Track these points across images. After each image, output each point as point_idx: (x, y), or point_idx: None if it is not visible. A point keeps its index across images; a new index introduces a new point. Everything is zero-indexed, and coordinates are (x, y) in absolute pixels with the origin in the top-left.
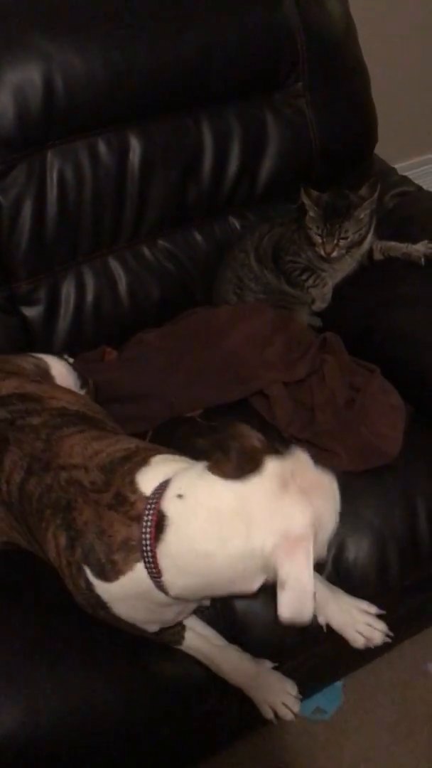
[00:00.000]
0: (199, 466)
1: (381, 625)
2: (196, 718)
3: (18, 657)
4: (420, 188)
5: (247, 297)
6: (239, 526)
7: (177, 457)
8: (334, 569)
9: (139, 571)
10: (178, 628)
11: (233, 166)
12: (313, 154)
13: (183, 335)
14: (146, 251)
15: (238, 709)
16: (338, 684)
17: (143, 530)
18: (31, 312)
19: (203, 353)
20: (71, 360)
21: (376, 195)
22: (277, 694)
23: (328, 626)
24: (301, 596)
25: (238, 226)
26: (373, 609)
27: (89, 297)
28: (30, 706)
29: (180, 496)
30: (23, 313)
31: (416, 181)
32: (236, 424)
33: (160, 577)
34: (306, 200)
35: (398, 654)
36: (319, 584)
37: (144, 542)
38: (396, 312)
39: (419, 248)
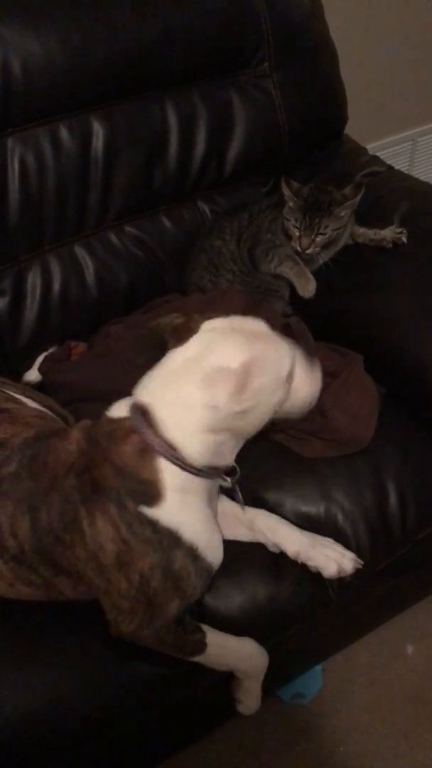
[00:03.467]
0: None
1: (350, 553)
2: (169, 708)
3: None
4: (390, 168)
5: (222, 285)
6: (192, 368)
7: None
8: None
9: (165, 465)
10: (200, 635)
11: (200, 149)
12: (282, 134)
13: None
14: (113, 238)
15: (215, 697)
16: (317, 668)
17: (139, 430)
18: None
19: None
20: (32, 380)
21: (358, 197)
22: None
23: (302, 572)
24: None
25: (207, 210)
26: (340, 545)
27: (56, 286)
28: None
29: (144, 386)
30: None
31: (387, 161)
32: (151, 323)
33: (178, 453)
34: (286, 191)
35: (376, 637)
36: (290, 527)
37: (147, 437)
38: (366, 294)
39: (386, 234)
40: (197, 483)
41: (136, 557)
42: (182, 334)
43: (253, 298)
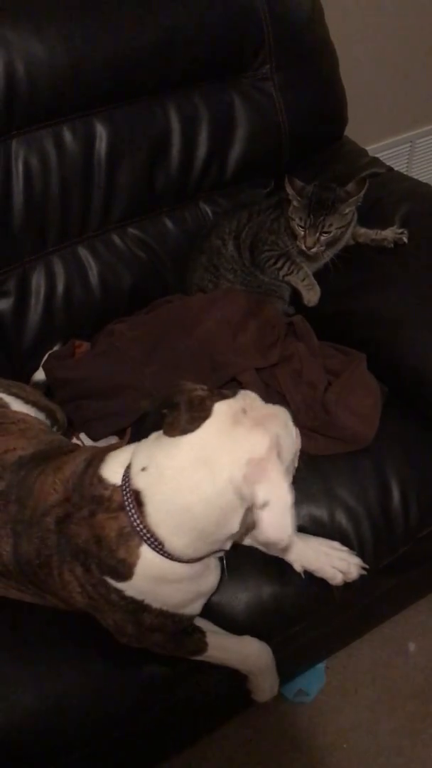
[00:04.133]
0: (153, 435)
1: (355, 559)
2: (171, 706)
3: None
4: (391, 169)
5: (222, 286)
6: (203, 470)
7: (129, 446)
8: None
9: (146, 552)
10: (199, 635)
11: (202, 150)
12: (282, 136)
13: (156, 324)
14: (116, 239)
15: (219, 695)
16: (321, 666)
17: (129, 513)
18: (1, 304)
19: (178, 342)
20: (41, 379)
21: (362, 193)
22: None
23: (307, 572)
24: (284, 509)
25: (209, 211)
26: (345, 548)
27: (60, 287)
28: (2, 703)
29: (144, 468)
30: None
31: (387, 163)
32: (179, 382)
33: (163, 546)
34: (290, 190)
35: (379, 634)
36: (300, 538)
37: (134, 523)
38: (369, 294)
39: (387, 234)
40: (185, 568)
41: (104, 611)
42: (195, 410)
43: (254, 298)
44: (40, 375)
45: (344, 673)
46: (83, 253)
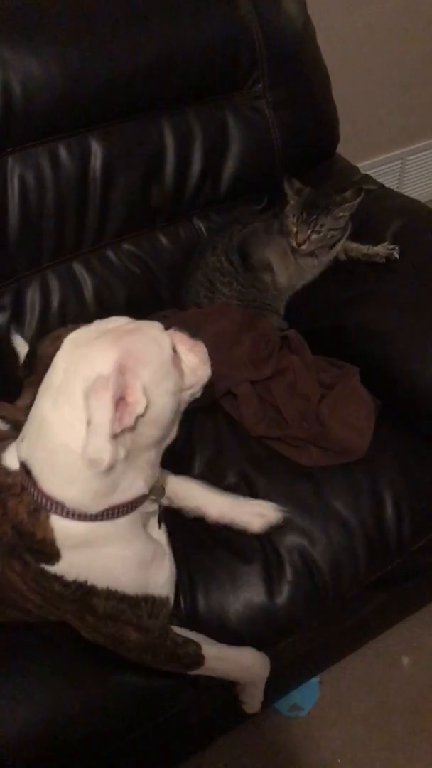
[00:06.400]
0: None
1: (268, 503)
2: (166, 721)
3: None
4: (382, 186)
5: (219, 301)
6: (62, 404)
7: None
8: (300, 559)
9: (56, 522)
10: (194, 647)
11: (195, 168)
12: (275, 154)
13: None
14: (111, 255)
15: (213, 709)
16: (314, 680)
17: (28, 490)
18: None
19: None
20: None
21: (357, 200)
22: None
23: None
24: (99, 429)
25: (202, 227)
26: (260, 500)
27: (55, 302)
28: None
29: (22, 438)
30: None
31: (378, 180)
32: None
33: (65, 507)
34: (288, 189)
35: (373, 649)
36: (211, 492)
37: (35, 496)
38: (361, 309)
39: (379, 250)
40: (107, 527)
41: (57, 606)
42: (53, 350)
43: (249, 313)
44: (23, 347)
45: (338, 687)
46: (78, 268)
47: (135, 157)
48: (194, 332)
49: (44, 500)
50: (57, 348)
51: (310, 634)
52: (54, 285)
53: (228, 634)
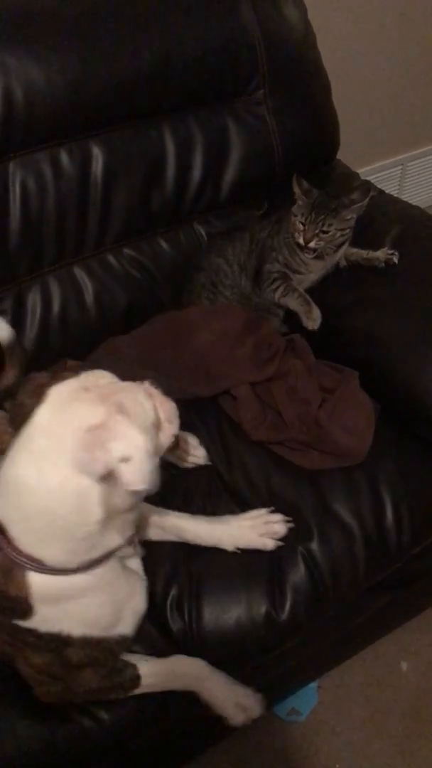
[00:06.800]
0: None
1: (276, 517)
2: (164, 730)
3: None
4: (382, 192)
5: (220, 302)
6: (43, 461)
7: None
8: (303, 563)
9: (33, 578)
10: (131, 669)
11: (196, 173)
12: (276, 159)
13: (155, 332)
14: (112, 259)
15: (210, 716)
16: (313, 685)
17: (3, 550)
18: None
19: (176, 348)
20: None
21: (365, 201)
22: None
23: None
24: (143, 458)
25: (203, 232)
26: (263, 510)
27: (55, 307)
28: None
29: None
30: None
31: (379, 186)
32: (28, 376)
33: (44, 563)
34: (296, 189)
35: (371, 653)
36: (205, 522)
37: (10, 555)
38: (361, 314)
39: (379, 255)
40: (85, 578)
41: (28, 656)
42: (34, 399)
43: (253, 315)
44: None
45: (336, 692)
46: (79, 273)
47: (136, 162)
48: (167, 388)
49: (21, 558)
50: (38, 400)
51: (309, 638)
52: (55, 290)
53: (229, 638)
